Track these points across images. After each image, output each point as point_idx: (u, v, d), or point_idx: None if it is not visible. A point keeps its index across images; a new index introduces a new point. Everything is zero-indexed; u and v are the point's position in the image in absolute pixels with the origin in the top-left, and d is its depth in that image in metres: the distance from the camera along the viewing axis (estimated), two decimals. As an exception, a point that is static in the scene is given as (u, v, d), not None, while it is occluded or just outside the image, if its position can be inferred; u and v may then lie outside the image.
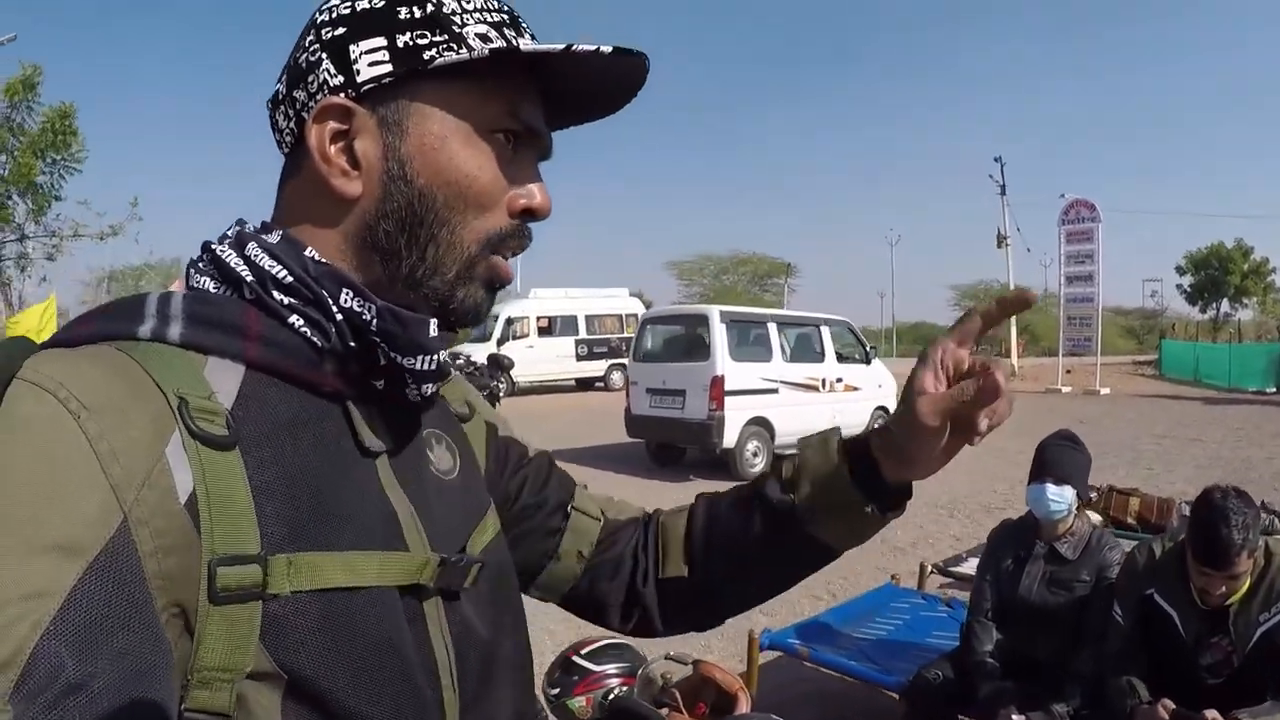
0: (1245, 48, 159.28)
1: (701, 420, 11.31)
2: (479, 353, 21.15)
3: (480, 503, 0.91)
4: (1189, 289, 61.95)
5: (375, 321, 0.74)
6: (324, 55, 0.75)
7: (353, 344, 0.75)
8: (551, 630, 6.06)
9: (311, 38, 0.76)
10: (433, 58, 0.73)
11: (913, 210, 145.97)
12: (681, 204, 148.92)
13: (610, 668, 3.09)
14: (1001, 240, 33.11)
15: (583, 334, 26.24)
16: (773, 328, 12.27)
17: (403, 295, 0.78)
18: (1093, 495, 5.76)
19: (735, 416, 11.32)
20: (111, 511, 0.58)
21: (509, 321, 25.59)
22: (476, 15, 0.76)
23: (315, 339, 0.73)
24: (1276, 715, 2.59)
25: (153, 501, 0.60)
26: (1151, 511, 5.67)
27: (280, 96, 0.79)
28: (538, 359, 25.52)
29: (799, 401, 12.23)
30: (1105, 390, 23.78)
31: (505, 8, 0.79)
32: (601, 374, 26.13)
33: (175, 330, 0.69)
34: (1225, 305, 62.08)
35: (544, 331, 26.12)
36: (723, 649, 5.31)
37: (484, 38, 0.75)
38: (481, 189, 0.77)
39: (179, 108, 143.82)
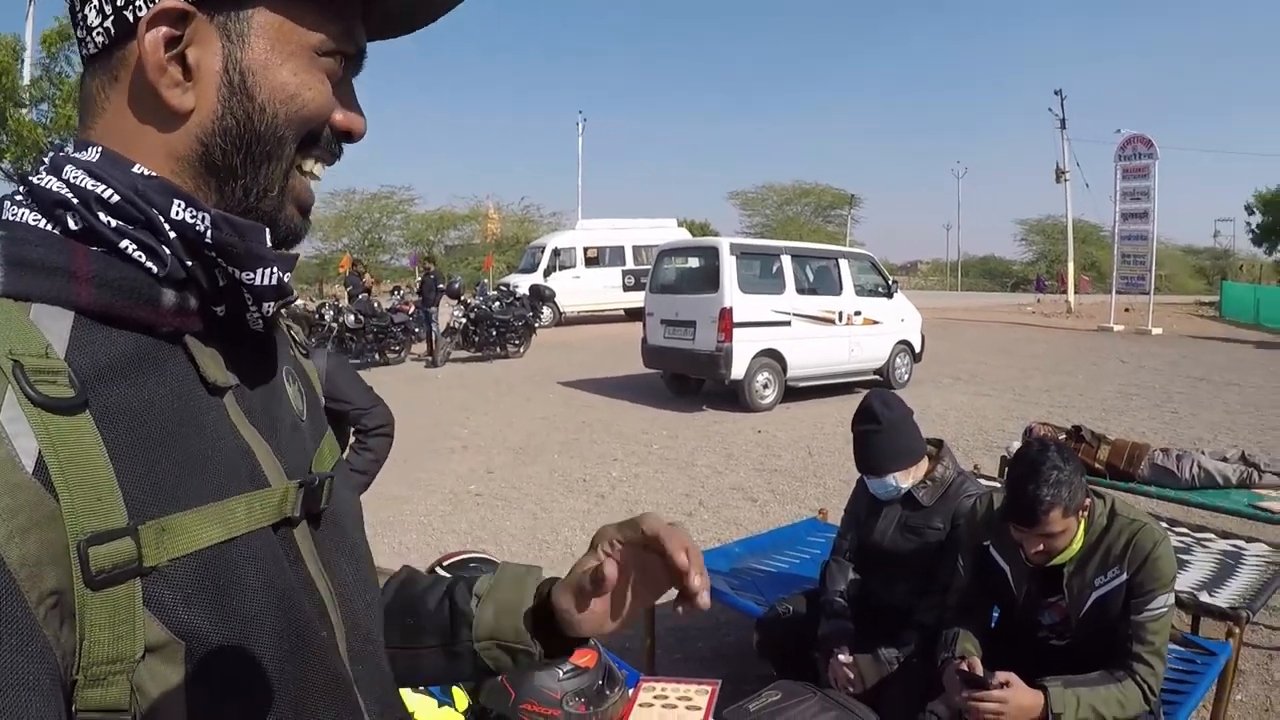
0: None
1: (710, 351, 11.29)
2: (524, 284, 21.32)
3: (319, 429, 0.88)
4: (1257, 229, 58.91)
5: (210, 232, 0.68)
6: None
7: (189, 263, 0.68)
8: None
9: None
10: None
11: (978, 143, 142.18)
12: (747, 134, 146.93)
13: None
14: (1060, 175, 32.07)
15: (630, 264, 26.19)
16: (786, 260, 12.04)
17: None
18: (1061, 435, 5.38)
19: (744, 348, 11.27)
20: None
21: (556, 252, 25.77)
22: None
23: (150, 265, 0.66)
24: (1099, 689, 2.41)
25: None
26: (1121, 458, 5.07)
27: None
28: (585, 289, 25.67)
29: (813, 334, 12.06)
30: (1157, 330, 22.86)
31: None
32: (648, 304, 26.20)
33: None
34: (1292, 247, 58.93)
35: (591, 262, 26.19)
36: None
37: None
38: (317, 109, 0.74)
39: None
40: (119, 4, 0.67)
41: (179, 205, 0.67)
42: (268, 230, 0.72)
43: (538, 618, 0.94)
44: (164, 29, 0.67)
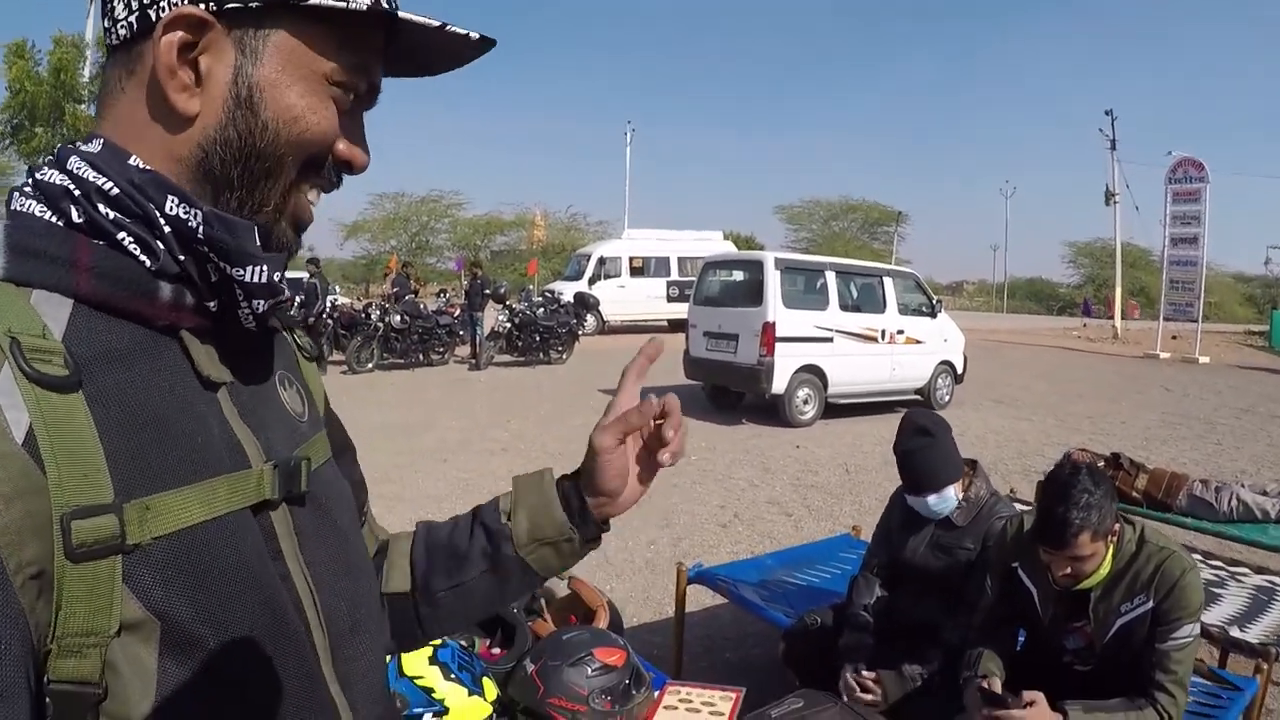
0: None
1: (752, 365, 11.31)
2: (569, 291, 21.46)
3: (315, 429, 0.90)
4: (1311, 257, 57.30)
5: (202, 228, 0.70)
6: None
7: (181, 257, 0.70)
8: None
9: None
10: None
11: (1027, 163, 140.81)
12: (795, 149, 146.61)
13: None
14: (1110, 197, 31.47)
15: (675, 275, 26.24)
16: (831, 276, 12.04)
17: None
18: (1101, 463, 5.33)
19: (786, 363, 11.27)
20: None
21: (601, 261, 25.85)
22: None
23: (144, 259, 0.69)
24: (1119, 715, 2.41)
25: None
26: (1159, 488, 4.99)
27: None
28: (629, 299, 25.73)
29: (855, 351, 12.04)
30: (1205, 359, 22.38)
31: None
32: (692, 316, 26.27)
33: None
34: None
35: (636, 272, 26.25)
36: (655, 581, 5.51)
37: None
38: (320, 136, 0.76)
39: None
40: (144, 2, 0.70)
41: (173, 201, 0.70)
42: (257, 229, 0.74)
43: (568, 508, 0.99)
44: (180, 33, 0.69)
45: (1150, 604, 2.47)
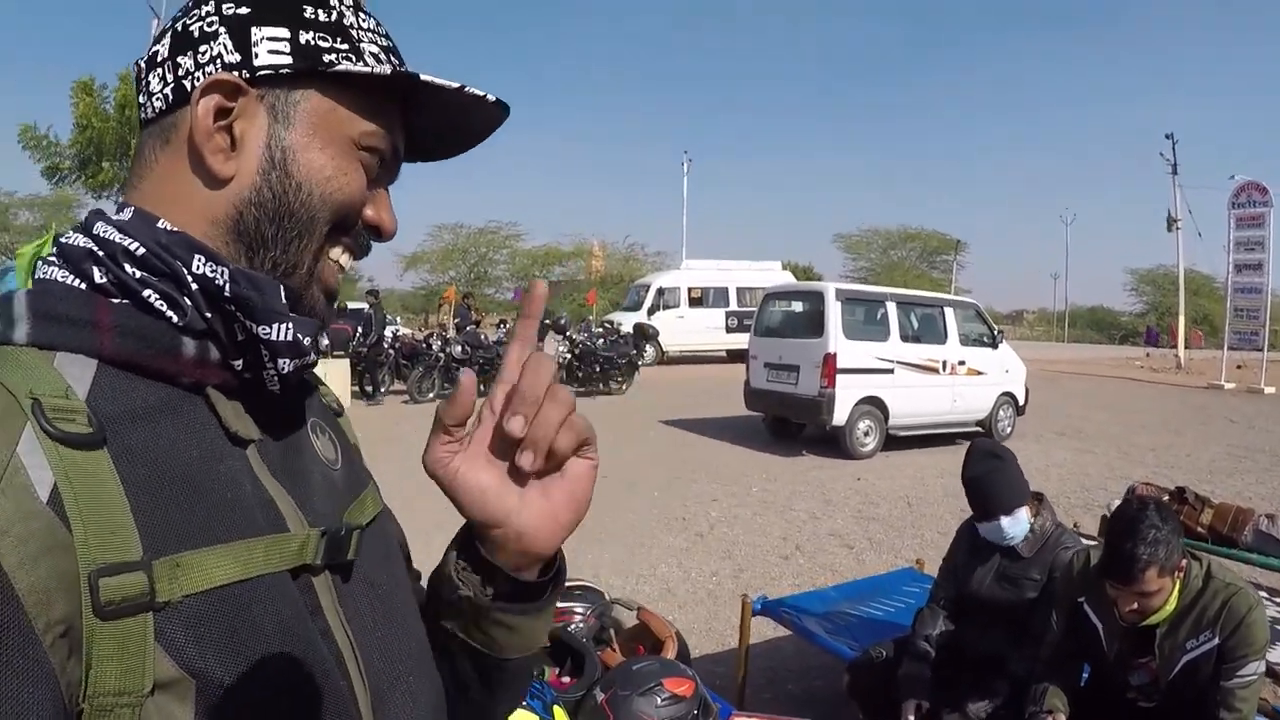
0: None
1: (813, 397, 11.31)
2: (628, 322, 21.59)
3: (359, 481, 0.88)
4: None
5: (229, 286, 0.70)
6: (222, 29, 0.73)
7: (208, 314, 0.70)
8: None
9: (209, 8, 0.74)
10: (332, 62, 0.74)
11: (1088, 189, 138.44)
12: (852, 177, 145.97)
13: (576, 605, 3.38)
14: (1172, 223, 30.91)
15: (734, 306, 26.28)
16: (891, 307, 12.04)
17: None
18: (1165, 497, 5.27)
19: (847, 395, 11.26)
20: None
21: (660, 291, 25.97)
22: (370, 35, 0.78)
23: (171, 315, 0.69)
24: None
25: (9, 508, 0.55)
26: (1224, 523, 4.83)
27: (160, 59, 0.75)
28: (688, 329, 25.79)
29: (916, 383, 11.99)
30: (1270, 389, 21.51)
31: (389, 36, 0.81)
32: (751, 346, 26.28)
33: (21, 331, 0.65)
34: None
35: (695, 302, 26.34)
36: (716, 612, 5.50)
37: (377, 58, 0.77)
38: (350, 196, 0.77)
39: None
40: (180, 74, 0.73)
41: (200, 260, 0.70)
42: (282, 288, 0.74)
43: (465, 556, 0.80)
44: (216, 98, 0.71)
45: (1216, 640, 2.48)
